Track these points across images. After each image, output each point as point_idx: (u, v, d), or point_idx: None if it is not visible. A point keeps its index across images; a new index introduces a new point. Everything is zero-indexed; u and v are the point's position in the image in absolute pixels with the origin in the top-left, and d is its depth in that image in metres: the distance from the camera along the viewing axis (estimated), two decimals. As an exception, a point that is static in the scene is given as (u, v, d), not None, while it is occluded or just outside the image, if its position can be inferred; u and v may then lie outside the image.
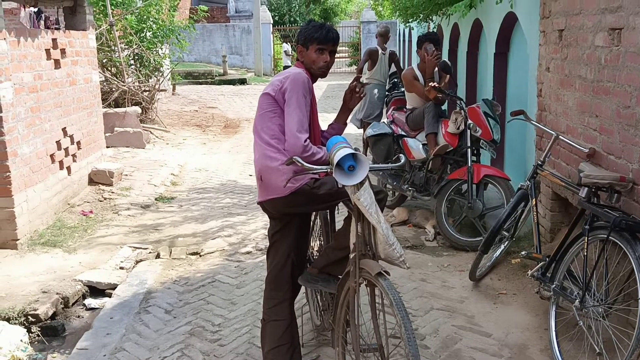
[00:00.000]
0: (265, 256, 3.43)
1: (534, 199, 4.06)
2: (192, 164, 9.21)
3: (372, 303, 2.74)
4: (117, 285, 4.78)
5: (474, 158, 5.50)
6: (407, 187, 6.04)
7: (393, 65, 8.78)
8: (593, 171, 3.37)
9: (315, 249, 3.74)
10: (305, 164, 2.68)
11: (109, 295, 4.68)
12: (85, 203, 6.79)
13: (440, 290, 4.48)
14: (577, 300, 3.22)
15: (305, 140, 2.94)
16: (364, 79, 8.55)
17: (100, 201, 6.95)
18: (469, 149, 5.38)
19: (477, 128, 5.39)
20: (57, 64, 6.51)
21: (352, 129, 9.82)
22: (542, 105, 4.83)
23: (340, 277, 2.98)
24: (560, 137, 3.99)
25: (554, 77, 4.54)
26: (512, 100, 6.27)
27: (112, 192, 7.19)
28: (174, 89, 16.66)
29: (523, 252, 3.81)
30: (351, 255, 2.74)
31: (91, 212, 6.55)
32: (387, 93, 8.77)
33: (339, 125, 3.33)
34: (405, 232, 5.79)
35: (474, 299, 4.33)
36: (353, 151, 2.60)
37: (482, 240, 5.07)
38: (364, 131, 7.66)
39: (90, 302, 4.66)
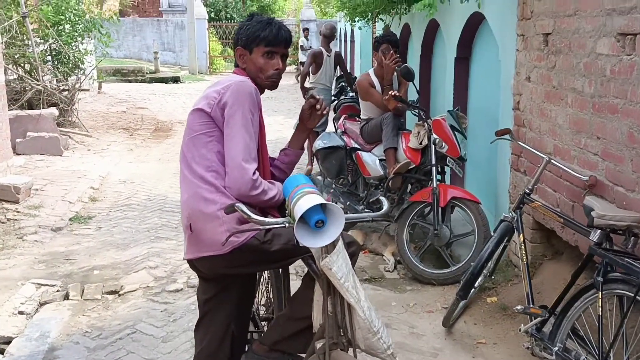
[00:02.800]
0: None
1: (521, 234, 3.41)
2: (116, 175, 8.19)
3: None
4: (12, 339, 3.84)
5: (439, 177, 4.84)
6: (362, 208, 5.33)
7: (338, 68, 8.08)
8: (607, 209, 2.74)
9: (262, 302, 2.96)
10: (253, 216, 1.90)
11: (1, 352, 3.73)
12: (-18, 226, 5.74)
13: (408, 339, 3.78)
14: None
15: (254, 173, 2.16)
16: (307, 84, 7.80)
17: (3, 223, 5.90)
18: (434, 167, 4.72)
19: (443, 144, 4.74)
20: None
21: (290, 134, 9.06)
22: (520, 121, 4.22)
23: (299, 355, 2.22)
24: (552, 161, 3.36)
25: (536, 88, 3.93)
26: (476, 111, 5.67)
27: (18, 212, 6.15)
28: (99, 87, 15.40)
29: (518, 307, 3.14)
30: (317, 344, 1.98)
31: (-11, 237, 5.51)
32: (333, 98, 8.06)
33: (294, 152, 2.57)
34: (361, 260, 5.07)
35: (449, 351, 3.65)
36: (322, 200, 1.84)
37: (449, 274, 4.46)
38: (309, 141, 6.91)
39: (-26, 363, 3.70)
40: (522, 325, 3.17)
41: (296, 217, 1.79)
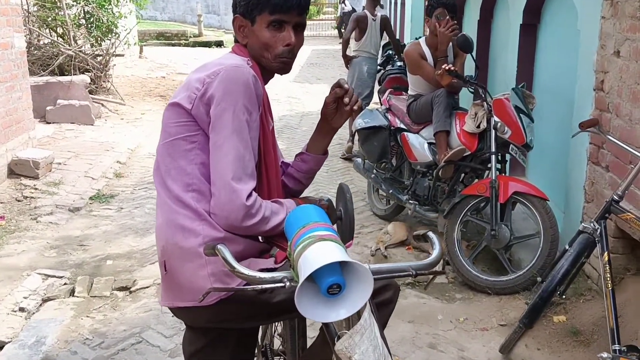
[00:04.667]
0: None
1: (605, 252, 2.71)
2: (146, 148, 7.70)
3: None
4: (5, 343, 3.41)
5: (499, 167, 4.13)
6: (406, 198, 4.67)
7: (385, 33, 7.32)
8: None
9: (277, 332, 2.39)
10: (239, 267, 1.30)
11: (-8, 359, 3.31)
12: (-3, 204, 5.35)
13: (457, 366, 3.17)
14: None
15: (249, 197, 1.56)
16: (350, 52, 7.08)
17: (19, 201, 5.50)
18: (493, 156, 4.01)
19: (505, 128, 4.01)
20: (-45, 25, 4.98)
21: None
22: (603, 104, 3.46)
23: None
24: (653, 162, 2.63)
25: (628, 65, 3.16)
26: (544, 90, 4.87)
27: (35, 189, 5.74)
28: (141, 51, 14.95)
29: (604, 355, 2.45)
30: None
31: (2, 217, 5.11)
32: (379, 68, 7.33)
33: (314, 157, 1.93)
34: (404, 259, 4.45)
35: (506, 385, 3.03)
36: (341, 254, 1.22)
37: (507, 282, 3.80)
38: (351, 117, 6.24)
39: (-39, 372, 3.28)
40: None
41: (301, 277, 1.18)
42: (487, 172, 4.22)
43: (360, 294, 1.22)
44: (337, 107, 1.82)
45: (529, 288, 3.74)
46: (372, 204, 5.36)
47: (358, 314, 1.25)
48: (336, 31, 25.54)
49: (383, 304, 1.72)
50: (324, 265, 1.16)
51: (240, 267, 1.29)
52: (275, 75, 1.84)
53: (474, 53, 4.47)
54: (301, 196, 1.93)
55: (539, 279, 3.07)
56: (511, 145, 4.04)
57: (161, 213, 1.67)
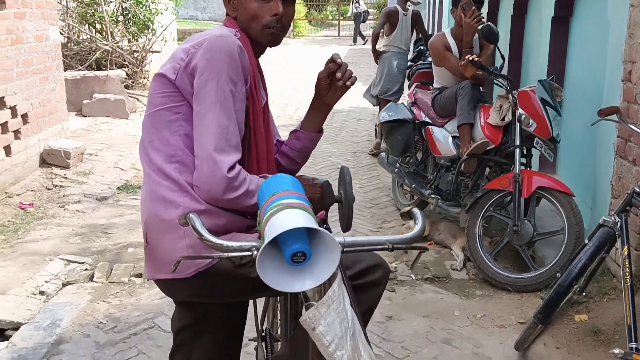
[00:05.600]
0: None
1: (626, 246, 2.59)
2: (177, 141, 7.78)
3: None
4: (22, 324, 3.46)
5: (524, 161, 4.01)
6: (429, 192, 4.58)
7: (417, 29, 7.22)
8: None
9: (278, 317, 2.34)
10: (207, 235, 1.26)
11: (8, 339, 3.37)
12: (28, 192, 5.47)
13: (471, 362, 3.07)
14: None
15: (232, 168, 1.52)
16: (380, 47, 7.01)
17: (48, 189, 5.62)
18: (518, 149, 3.90)
19: (531, 120, 3.89)
20: (-10, 16, 5.12)
21: (366, 103, 8.31)
22: (630, 96, 3.32)
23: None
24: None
25: (657, 54, 3.02)
26: (575, 82, 4.71)
27: (66, 178, 5.85)
28: (179, 49, 15.15)
29: (616, 351, 2.34)
30: None
31: (31, 204, 5.23)
32: (410, 64, 7.22)
33: (308, 135, 1.89)
34: (425, 254, 4.35)
35: (521, 384, 2.92)
36: (307, 220, 1.17)
37: (529, 280, 3.68)
38: (380, 111, 6.18)
39: (-25, 352, 3.35)
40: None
41: (264, 239, 1.14)
42: (511, 167, 4.10)
43: (328, 264, 1.17)
44: (331, 82, 1.77)
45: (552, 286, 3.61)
46: (396, 199, 5.28)
47: (321, 290, 1.20)
48: (371, 30, 25.42)
49: (371, 284, 1.66)
50: (288, 230, 1.11)
51: (208, 235, 1.25)
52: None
53: (502, 45, 4.35)
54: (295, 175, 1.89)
55: (558, 274, 2.95)
56: (536, 138, 3.92)
57: (145, 186, 1.65)
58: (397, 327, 3.37)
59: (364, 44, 20.60)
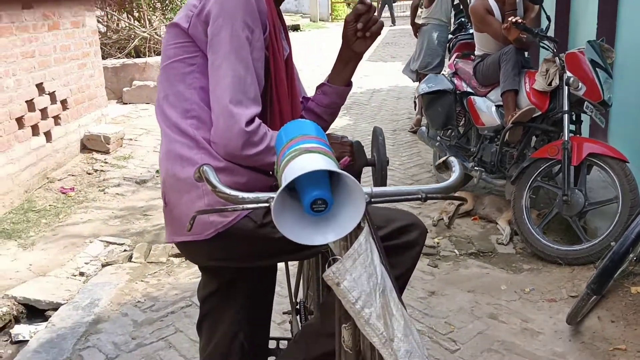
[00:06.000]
0: None
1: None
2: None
3: None
4: (61, 304, 3.47)
5: (573, 127, 3.79)
6: (473, 165, 4.39)
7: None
8: None
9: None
10: (221, 187, 1.15)
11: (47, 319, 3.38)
12: (69, 177, 5.51)
13: (519, 338, 2.90)
14: None
15: (251, 122, 1.41)
16: (420, 20, 6.79)
17: (89, 174, 5.66)
18: (566, 115, 3.68)
19: (580, 84, 3.66)
20: (26, 2, 5.13)
21: (405, 81, 8.11)
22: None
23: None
24: None
25: None
26: (627, 44, 4.42)
27: (106, 163, 5.88)
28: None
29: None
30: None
31: (72, 189, 5.27)
32: (450, 36, 6.98)
33: (335, 89, 1.75)
34: (469, 229, 4.19)
35: (573, 358, 2.74)
36: (328, 163, 1.05)
37: (581, 252, 3.48)
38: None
39: (18, 331, 3.36)
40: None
41: (281, 187, 1.03)
42: (559, 134, 3.88)
43: (352, 215, 1.05)
44: (355, 26, 1.62)
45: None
46: (438, 175, 5.10)
47: (345, 242, 1.08)
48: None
49: (407, 245, 1.53)
50: (307, 175, 0.99)
51: (221, 187, 1.14)
52: None
53: (548, 5, 4.12)
54: None
55: (612, 243, 2.76)
56: (586, 102, 3.69)
57: (162, 144, 1.56)
58: (440, 303, 3.23)
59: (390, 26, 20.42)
